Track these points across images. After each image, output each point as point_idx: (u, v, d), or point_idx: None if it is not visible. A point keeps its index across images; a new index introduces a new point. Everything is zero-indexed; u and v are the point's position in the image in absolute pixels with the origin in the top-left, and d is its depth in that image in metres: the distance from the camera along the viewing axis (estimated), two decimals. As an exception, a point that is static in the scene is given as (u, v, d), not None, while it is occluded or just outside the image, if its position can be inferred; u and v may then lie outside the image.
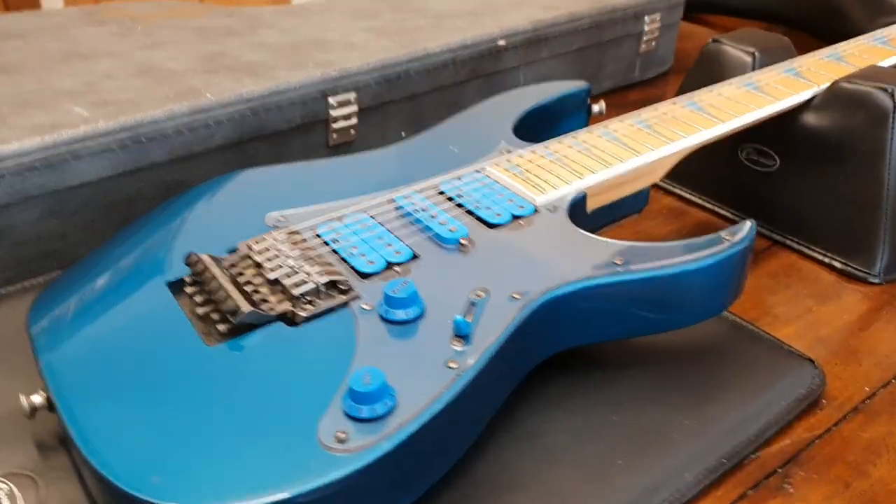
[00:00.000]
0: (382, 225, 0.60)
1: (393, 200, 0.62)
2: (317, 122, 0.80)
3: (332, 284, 0.54)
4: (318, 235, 0.59)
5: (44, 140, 0.66)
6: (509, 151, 0.68)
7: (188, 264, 0.56)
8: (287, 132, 0.79)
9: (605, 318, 0.56)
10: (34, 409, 0.51)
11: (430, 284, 0.54)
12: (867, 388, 0.61)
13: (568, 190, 0.63)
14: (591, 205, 0.65)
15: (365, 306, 0.53)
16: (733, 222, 0.80)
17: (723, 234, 0.57)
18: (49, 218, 0.68)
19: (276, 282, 0.54)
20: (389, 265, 0.56)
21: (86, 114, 0.69)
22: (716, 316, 0.61)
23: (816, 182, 0.74)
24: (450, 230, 0.58)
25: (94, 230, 0.71)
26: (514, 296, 0.53)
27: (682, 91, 0.80)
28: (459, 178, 0.65)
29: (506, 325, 0.51)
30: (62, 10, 0.97)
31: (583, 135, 0.69)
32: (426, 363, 0.49)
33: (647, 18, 1.05)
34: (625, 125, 0.70)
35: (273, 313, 0.52)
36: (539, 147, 0.68)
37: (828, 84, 0.74)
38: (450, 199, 0.63)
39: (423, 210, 0.61)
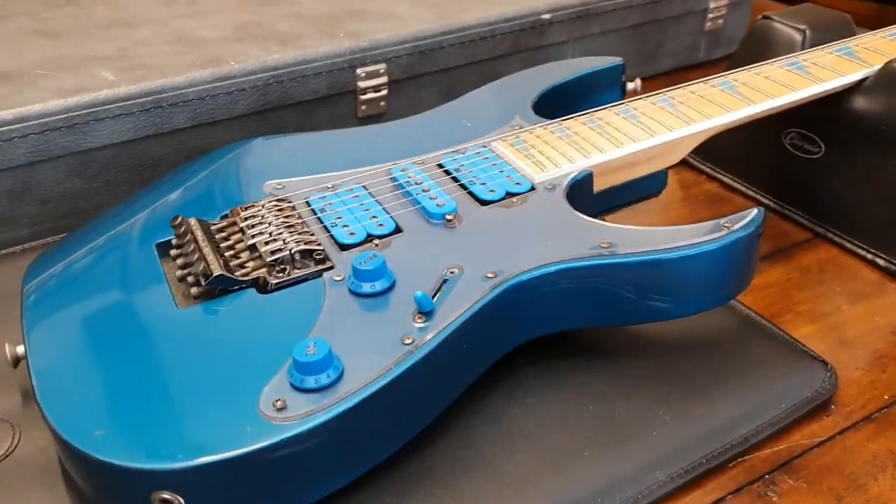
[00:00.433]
0: (373, 196, 0.59)
1: (389, 172, 0.61)
2: (344, 94, 0.80)
3: (307, 253, 0.54)
4: (308, 204, 0.59)
5: (66, 102, 0.68)
6: (521, 127, 0.66)
7: (172, 226, 0.56)
8: (313, 102, 0.79)
9: (588, 304, 0.53)
10: (17, 360, 0.53)
11: (407, 259, 0.53)
12: (886, 397, 0.56)
13: (570, 169, 0.60)
14: (600, 185, 0.62)
15: (336, 277, 0.52)
16: (775, 211, 0.76)
17: (723, 221, 0.53)
18: (73, 177, 0.71)
19: (254, 248, 0.54)
20: (369, 237, 0.55)
21: (112, 78, 0.71)
22: (720, 307, 0.58)
23: (863, 171, 0.68)
24: (437, 205, 0.57)
25: (118, 191, 0.73)
26: (488, 275, 0.51)
27: (728, 70, 0.75)
28: (463, 153, 0.63)
29: (471, 304, 0.49)
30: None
31: (601, 112, 0.66)
32: (381, 338, 0.48)
33: (713, -6, 1.00)
34: (646, 103, 0.66)
35: (245, 279, 0.52)
36: (553, 123, 0.65)
37: (881, 65, 0.68)
38: (447, 173, 0.61)
39: (417, 183, 0.59)
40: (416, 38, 0.81)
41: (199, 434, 0.43)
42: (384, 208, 0.58)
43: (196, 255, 0.53)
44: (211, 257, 0.53)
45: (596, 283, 0.52)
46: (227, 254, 0.54)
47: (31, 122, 0.67)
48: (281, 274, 0.53)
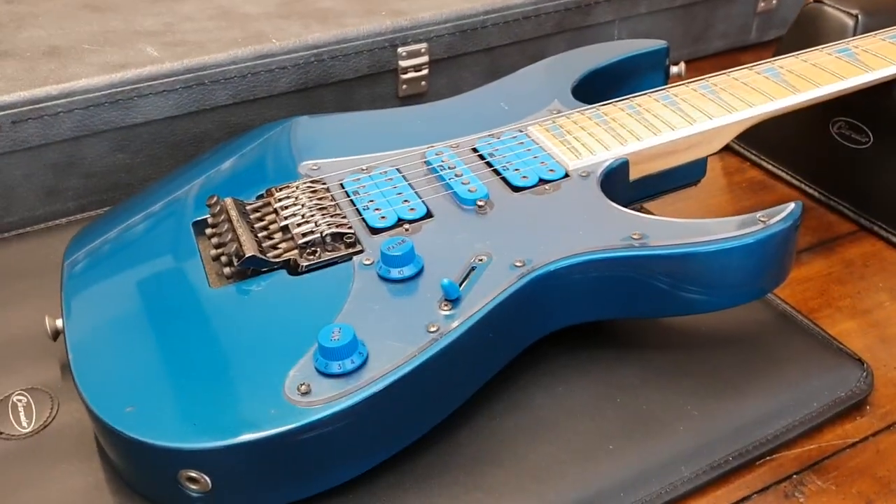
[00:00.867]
0: (407, 180, 0.59)
1: (424, 155, 0.61)
2: (385, 73, 0.80)
3: (338, 236, 0.54)
4: (342, 186, 0.59)
5: (111, 78, 0.69)
6: (559, 112, 0.65)
7: (208, 205, 0.57)
8: (354, 81, 0.79)
9: (618, 295, 0.53)
10: (57, 333, 0.54)
11: (437, 245, 0.53)
12: (925, 399, 0.55)
13: (606, 156, 0.59)
14: (637, 173, 0.61)
15: (366, 261, 0.53)
16: (818, 201, 0.74)
17: (759, 214, 0.52)
18: (116, 152, 0.72)
19: (286, 229, 0.55)
20: (400, 221, 0.55)
21: (156, 54, 0.72)
22: (754, 301, 0.57)
23: (913, 164, 0.66)
24: (469, 190, 0.57)
25: (160, 166, 0.74)
26: (516, 263, 0.51)
27: (776, 56, 0.73)
28: (498, 137, 0.63)
29: (498, 292, 0.49)
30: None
31: (640, 98, 0.65)
32: (407, 324, 0.48)
33: (768, -27, 0.97)
34: (688, 89, 0.65)
35: (277, 260, 0.53)
36: (590, 109, 0.65)
37: (937, 53, 0.65)
38: (482, 157, 0.61)
39: (450, 168, 0.59)
40: (458, 17, 0.80)
41: (226, 415, 0.44)
42: (416, 192, 0.58)
43: (230, 236, 0.54)
44: (244, 238, 0.53)
45: (626, 274, 0.52)
46: (260, 234, 0.55)
47: (77, 98, 0.68)
48: (312, 256, 0.53)
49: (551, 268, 0.51)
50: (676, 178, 0.64)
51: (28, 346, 0.57)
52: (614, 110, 0.64)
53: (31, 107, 0.67)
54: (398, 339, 0.47)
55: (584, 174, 0.58)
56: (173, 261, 0.55)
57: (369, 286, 0.51)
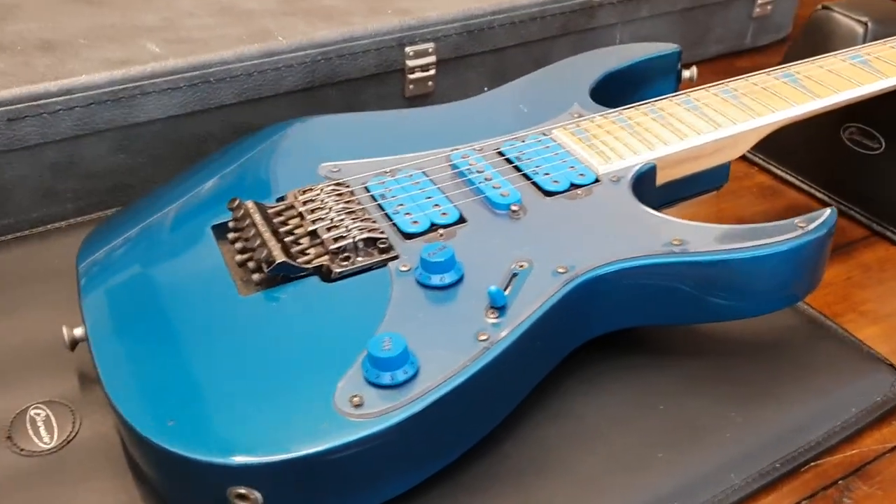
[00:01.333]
0: (434, 183, 0.58)
1: (449, 158, 0.60)
2: (392, 72, 0.78)
3: (371, 241, 0.52)
4: (367, 189, 0.57)
5: (112, 75, 0.66)
6: (581, 115, 0.64)
7: (230, 209, 0.55)
8: (361, 80, 0.77)
9: (657, 301, 0.52)
10: (75, 342, 0.52)
11: (474, 250, 0.52)
12: (954, 403, 0.55)
13: (635, 161, 0.59)
14: (662, 178, 0.60)
15: (402, 268, 0.51)
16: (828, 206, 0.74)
17: (797, 220, 0.52)
18: (118, 152, 0.69)
19: (315, 234, 0.53)
20: (434, 226, 0.54)
21: (158, 50, 0.69)
22: (787, 307, 0.57)
23: (925, 170, 0.67)
24: (501, 195, 0.56)
25: (164, 167, 0.71)
26: (559, 270, 0.50)
27: (785, 61, 0.73)
28: (523, 140, 0.62)
29: (544, 300, 0.48)
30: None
31: (662, 102, 0.64)
32: (455, 333, 0.47)
33: (761, -21, 0.98)
34: (709, 94, 0.65)
35: (308, 266, 0.51)
36: (613, 113, 0.64)
37: (949, 61, 0.66)
38: (508, 161, 0.60)
39: (479, 172, 0.58)
40: (466, 16, 0.79)
41: (277, 428, 0.42)
42: (447, 196, 0.56)
43: (258, 241, 0.52)
44: (272, 243, 0.51)
45: (666, 280, 0.51)
46: (286, 239, 0.53)
47: (77, 95, 0.65)
48: (345, 262, 0.51)
49: (595, 274, 0.50)
50: (700, 183, 0.63)
51: (38, 357, 0.54)
52: (637, 115, 0.63)
53: (28, 104, 0.64)
54: (448, 348, 0.46)
55: (614, 179, 0.57)
56: (197, 267, 0.53)
57: (409, 293, 0.49)
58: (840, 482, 0.50)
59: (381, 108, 0.79)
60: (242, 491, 0.41)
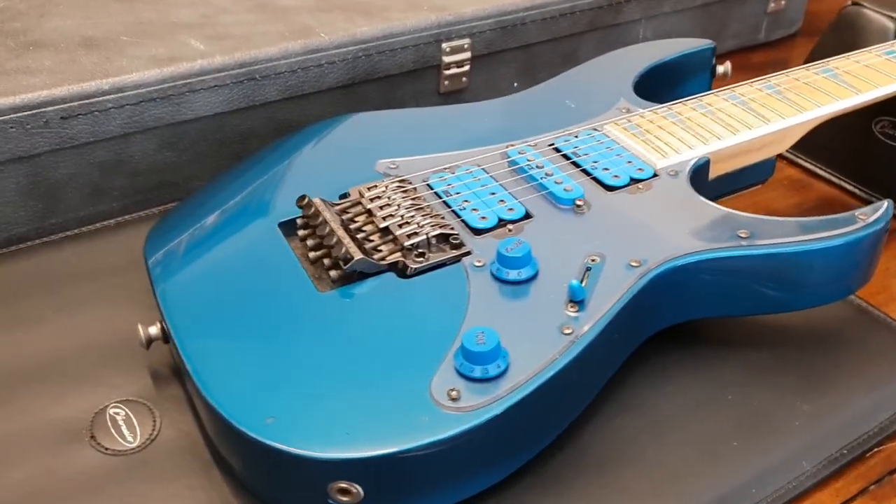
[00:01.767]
0: (495, 179, 0.58)
1: (506, 154, 0.61)
2: (428, 68, 0.79)
3: (443, 238, 0.53)
4: (430, 186, 0.58)
5: (162, 72, 0.66)
6: (628, 110, 0.66)
7: (300, 206, 0.55)
8: (398, 76, 0.77)
9: (723, 293, 0.53)
10: (150, 341, 0.52)
11: (544, 245, 0.53)
12: None
13: (691, 155, 0.60)
14: (714, 172, 0.62)
15: (477, 263, 0.52)
16: (860, 199, 0.77)
17: (857, 212, 0.54)
18: (165, 150, 0.69)
19: (386, 230, 0.54)
20: (502, 222, 0.55)
21: (202, 47, 0.69)
22: (841, 299, 0.58)
23: (957, 162, 0.69)
24: (565, 189, 0.57)
25: (208, 165, 0.71)
26: (632, 263, 0.51)
27: (813, 57, 0.75)
28: (576, 136, 0.63)
29: (622, 293, 0.49)
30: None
31: (709, 97, 0.66)
32: (540, 327, 0.47)
33: (776, -25, 1.00)
34: (753, 90, 0.66)
35: (384, 263, 0.52)
36: (661, 108, 0.65)
37: (980, 56, 0.68)
38: (565, 156, 0.61)
39: (539, 167, 0.59)
40: (500, 12, 0.80)
41: (377, 423, 0.43)
42: (510, 192, 0.57)
43: (334, 239, 0.52)
44: (347, 240, 0.52)
45: (732, 273, 0.53)
46: (358, 236, 0.53)
47: (128, 93, 0.65)
48: (420, 259, 0.52)
49: (668, 267, 0.51)
50: (748, 177, 0.65)
51: (108, 354, 0.54)
52: (686, 110, 0.64)
53: (80, 101, 0.63)
54: (536, 341, 0.47)
55: (672, 173, 0.59)
56: (271, 263, 0.53)
57: (487, 288, 0.50)
58: (904, 466, 0.51)
59: (416, 104, 0.80)
60: (344, 485, 0.42)
